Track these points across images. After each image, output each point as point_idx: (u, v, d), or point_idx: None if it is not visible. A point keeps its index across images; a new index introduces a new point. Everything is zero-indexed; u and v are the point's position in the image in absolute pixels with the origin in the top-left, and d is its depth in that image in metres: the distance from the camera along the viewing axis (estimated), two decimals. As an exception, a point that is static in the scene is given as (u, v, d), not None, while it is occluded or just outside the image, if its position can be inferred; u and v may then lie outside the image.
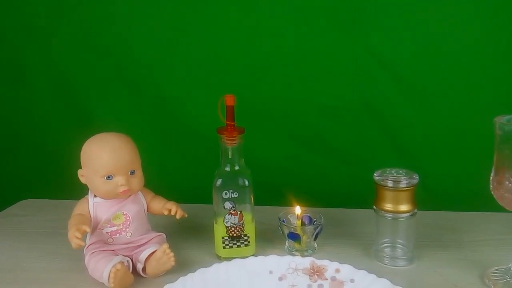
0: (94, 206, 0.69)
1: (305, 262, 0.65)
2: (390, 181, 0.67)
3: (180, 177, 1.01)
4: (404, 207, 0.67)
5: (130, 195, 0.70)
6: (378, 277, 0.61)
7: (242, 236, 0.72)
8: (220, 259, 0.73)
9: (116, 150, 0.67)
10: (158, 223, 0.77)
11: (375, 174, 0.69)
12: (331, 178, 1.00)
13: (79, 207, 0.69)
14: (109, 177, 0.67)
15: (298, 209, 0.75)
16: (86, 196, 0.70)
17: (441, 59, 0.92)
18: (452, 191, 0.96)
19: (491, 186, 0.61)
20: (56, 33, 1.00)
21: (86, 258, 0.68)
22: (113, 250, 0.69)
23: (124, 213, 0.70)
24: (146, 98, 1.02)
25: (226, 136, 0.70)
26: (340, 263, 0.64)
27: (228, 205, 0.71)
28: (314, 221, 0.74)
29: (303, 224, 0.74)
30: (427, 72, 0.93)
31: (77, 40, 1.00)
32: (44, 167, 1.07)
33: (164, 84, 1.01)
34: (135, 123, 1.00)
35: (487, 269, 0.67)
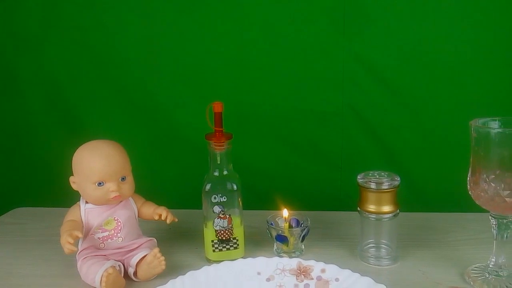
0: (86, 212, 0.69)
1: (292, 263, 0.66)
2: (372, 183, 0.67)
3: (170, 183, 1.02)
4: (386, 208, 0.68)
5: (121, 201, 0.71)
6: (362, 275, 0.62)
7: (231, 239, 0.73)
8: (210, 262, 0.73)
9: (107, 156, 0.68)
10: (148, 228, 0.77)
11: (358, 177, 0.70)
12: (319, 182, 1.00)
13: (71, 214, 0.69)
14: (100, 183, 0.68)
15: (285, 212, 0.76)
16: (78, 203, 0.70)
17: (426, 64, 0.94)
18: (439, 192, 0.98)
19: (468, 186, 0.62)
20: (47, 41, 1.01)
21: (79, 264, 0.68)
22: (104, 255, 0.69)
23: (115, 218, 0.70)
24: (136, 105, 1.02)
25: (214, 142, 0.71)
26: (326, 263, 0.65)
27: (217, 209, 0.72)
28: (301, 224, 0.76)
29: (290, 226, 0.75)
30: (412, 77, 0.95)
31: (68, 48, 1.01)
32: (36, 175, 1.07)
33: (154, 91, 1.01)
34: (125, 130, 1.01)
35: (467, 267, 0.68)
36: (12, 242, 0.82)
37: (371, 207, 0.68)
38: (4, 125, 1.07)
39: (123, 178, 0.69)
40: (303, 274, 0.64)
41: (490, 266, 0.66)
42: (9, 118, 1.06)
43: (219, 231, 0.72)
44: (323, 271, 0.64)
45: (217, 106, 0.70)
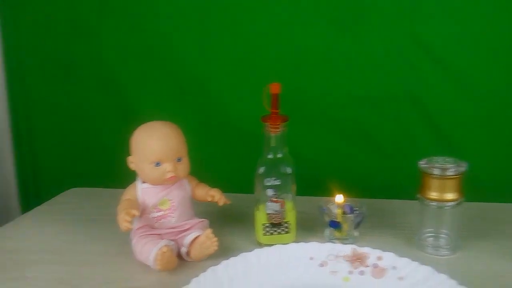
0: (142, 191, 0.69)
1: (347, 249, 0.62)
2: (436, 169, 0.63)
3: (221, 167, 1.02)
4: (450, 196, 0.63)
5: (176, 182, 0.71)
6: (421, 264, 0.58)
7: (283, 223, 0.71)
8: (260, 245, 0.71)
9: (164, 137, 0.67)
10: (200, 211, 0.77)
11: (421, 162, 0.65)
12: (373, 170, 0.95)
13: (128, 193, 0.69)
14: (157, 163, 0.67)
15: (339, 198, 0.73)
16: (134, 183, 0.70)
17: (488, 47, 0.87)
18: (497, 182, 0.91)
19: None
20: (103, 29, 1.01)
21: (133, 241, 0.68)
22: (158, 234, 0.69)
23: (170, 199, 0.70)
24: (188, 90, 1.01)
25: (270, 124, 0.68)
26: (383, 250, 0.62)
27: (270, 192, 0.69)
28: (355, 210, 0.73)
29: (344, 213, 0.73)
30: (472, 60, 0.88)
31: (123, 35, 1.00)
32: (89, 157, 1.08)
33: (206, 77, 0.99)
34: (177, 114, 0.98)
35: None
36: (68, 220, 0.83)
37: (433, 195, 0.64)
38: (61, 109, 1.08)
39: (179, 159, 0.69)
40: (358, 261, 0.61)
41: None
42: (66, 102, 1.07)
43: (271, 214, 0.70)
44: (379, 258, 0.61)
45: (274, 88, 0.67)
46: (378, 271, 0.60)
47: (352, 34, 0.92)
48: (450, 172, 0.63)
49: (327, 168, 0.97)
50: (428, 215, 0.67)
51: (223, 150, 1.03)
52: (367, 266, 0.61)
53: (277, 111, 0.69)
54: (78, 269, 0.67)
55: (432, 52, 0.90)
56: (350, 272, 0.61)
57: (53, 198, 0.94)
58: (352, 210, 0.72)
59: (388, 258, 0.60)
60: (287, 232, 0.71)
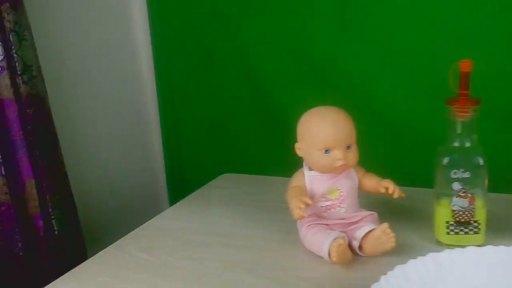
0: (310, 179, 0.62)
1: None
2: None
3: (378, 159, 0.91)
4: None
5: (345, 170, 0.64)
6: None
7: (472, 222, 0.59)
8: (441, 245, 0.60)
9: (335, 123, 0.60)
10: (361, 201, 0.68)
11: None
12: None
13: (296, 180, 0.63)
14: (326, 150, 0.60)
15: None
16: (301, 169, 0.64)
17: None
18: None
19: None
20: (244, 22, 0.98)
21: (302, 230, 0.62)
22: (327, 225, 0.62)
23: (339, 188, 0.62)
24: (328, 84, 0.93)
25: (457, 107, 0.57)
26: None
27: (457, 186, 0.57)
28: None
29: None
30: None
31: (264, 28, 0.96)
32: (231, 146, 1.07)
33: (347, 70, 0.91)
34: (315, 105, 0.94)
35: None
36: (225, 204, 0.80)
37: None
38: (206, 100, 1.08)
39: (348, 147, 0.61)
40: None
41: None
42: (208, 93, 1.06)
43: (457, 211, 0.58)
44: None
45: (465, 65, 0.56)
46: None
47: None
48: None
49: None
50: None
51: (373, 141, 0.92)
52: None
53: (466, 92, 0.57)
54: (247, 253, 0.63)
55: None
56: None
57: (209, 183, 0.93)
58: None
59: None
60: (475, 233, 0.58)
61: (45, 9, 0.89)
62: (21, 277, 0.77)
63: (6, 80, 0.74)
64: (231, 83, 1.04)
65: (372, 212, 0.63)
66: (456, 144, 0.58)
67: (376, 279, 0.47)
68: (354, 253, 0.59)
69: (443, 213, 0.59)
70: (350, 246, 0.59)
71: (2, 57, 0.73)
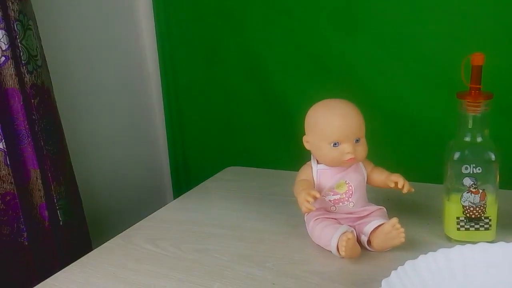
0: (318, 172, 0.61)
1: None
2: None
3: (382, 153, 0.91)
4: None
5: (353, 164, 0.63)
6: None
7: (483, 218, 0.58)
8: (450, 241, 0.59)
9: (344, 116, 0.58)
10: (369, 196, 0.67)
11: None
12: None
13: (303, 173, 0.62)
14: (335, 143, 0.59)
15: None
16: (308, 162, 0.63)
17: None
18: None
19: None
20: (248, 15, 0.97)
21: (310, 224, 0.61)
22: (335, 219, 0.61)
23: (347, 182, 0.61)
24: (335, 77, 0.91)
25: (469, 101, 0.56)
26: None
27: (468, 181, 0.56)
28: None
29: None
30: None
31: (268, 21, 0.95)
32: (235, 140, 1.06)
33: (353, 63, 0.89)
34: (321, 99, 0.92)
35: None
36: (230, 197, 0.79)
37: None
38: (211, 93, 1.06)
39: (357, 140, 0.60)
40: None
41: None
42: (213, 86, 1.05)
43: (467, 207, 0.57)
44: None
45: (477, 58, 0.54)
46: None
47: None
48: None
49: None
50: None
51: (381, 135, 0.91)
52: None
53: (479, 86, 0.56)
54: (254, 246, 0.62)
55: None
56: None
57: (214, 176, 0.92)
58: None
59: None
60: (486, 229, 0.57)
61: (50, -1, 0.88)
62: (26, 267, 0.77)
63: (11, 70, 0.73)
64: (236, 76, 1.03)
65: (381, 206, 0.63)
66: (467, 139, 0.56)
67: (386, 274, 0.47)
68: (362, 248, 0.58)
69: (453, 208, 0.58)
70: (358, 241, 0.58)
71: (6, 46, 0.72)
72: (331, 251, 0.57)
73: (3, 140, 0.72)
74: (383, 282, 0.45)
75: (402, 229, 0.56)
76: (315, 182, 0.62)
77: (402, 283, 0.46)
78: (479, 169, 0.55)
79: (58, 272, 0.59)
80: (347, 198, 0.61)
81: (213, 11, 1.01)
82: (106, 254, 0.63)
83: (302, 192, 0.57)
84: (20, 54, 0.74)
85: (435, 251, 0.50)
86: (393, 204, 0.68)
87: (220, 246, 0.63)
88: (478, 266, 0.50)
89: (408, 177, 0.61)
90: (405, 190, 0.60)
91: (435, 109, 0.83)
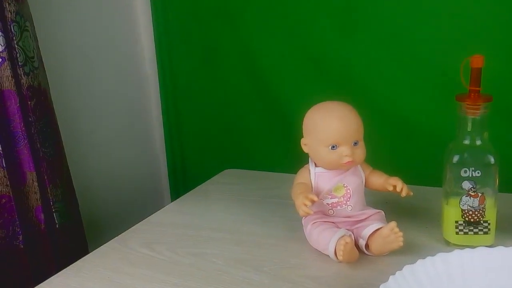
0: (316, 175, 0.61)
1: None
2: None
3: (382, 156, 0.90)
4: None
5: (351, 167, 0.62)
6: None
7: (482, 222, 0.57)
8: (449, 245, 0.59)
9: (342, 118, 0.58)
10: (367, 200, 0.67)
11: None
12: None
13: (301, 176, 0.61)
14: (333, 146, 0.59)
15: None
16: (306, 165, 0.62)
17: None
18: None
19: None
20: (246, 15, 0.96)
21: (308, 228, 0.60)
22: (333, 223, 0.61)
23: (345, 185, 0.61)
24: (331, 76, 0.91)
25: (469, 104, 0.55)
26: None
27: (467, 185, 0.56)
28: None
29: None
30: None
31: (267, 21, 0.95)
32: (233, 142, 1.05)
33: (350, 63, 0.89)
34: (318, 101, 0.92)
35: None
36: (227, 200, 0.79)
37: None
38: (209, 94, 1.06)
39: (355, 143, 0.59)
40: None
41: None
42: (211, 87, 1.04)
43: (466, 211, 0.57)
44: None
45: (477, 60, 0.54)
46: None
47: None
48: None
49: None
50: None
51: (380, 138, 0.91)
52: None
53: (478, 89, 0.55)
54: (253, 251, 0.62)
55: None
56: None
57: (211, 179, 0.91)
58: None
59: None
60: (485, 233, 0.57)
61: (47, 0, 0.88)
62: (22, 270, 0.76)
63: (7, 72, 0.72)
64: (234, 78, 1.02)
65: (379, 210, 0.62)
66: (466, 142, 0.56)
67: (384, 279, 0.46)
68: (360, 252, 0.57)
69: (452, 212, 0.57)
70: (356, 244, 0.58)
71: (3, 48, 0.71)
72: (328, 255, 0.56)
73: (-1, 142, 0.72)
74: (381, 287, 0.45)
75: (401, 233, 0.55)
76: (313, 185, 0.61)
77: (400, 288, 0.45)
78: (478, 173, 0.55)
79: (53, 276, 0.58)
80: (345, 202, 0.60)
81: (211, 11, 1.00)
82: (102, 258, 0.62)
83: (300, 196, 0.57)
84: (16, 55, 0.73)
85: (433, 255, 0.50)
86: (392, 207, 0.67)
87: (217, 250, 0.62)
88: (477, 270, 0.49)
89: (406, 180, 0.60)
90: (403, 194, 0.59)
91: (434, 111, 0.83)
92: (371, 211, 0.61)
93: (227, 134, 1.07)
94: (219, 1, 0.99)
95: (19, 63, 0.73)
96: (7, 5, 0.71)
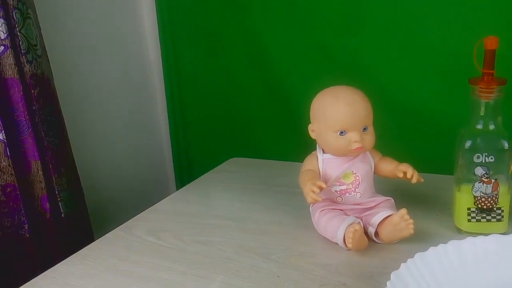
0: (324, 162, 0.59)
1: None
2: None
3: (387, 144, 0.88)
4: None
5: (360, 153, 0.60)
6: None
7: (495, 209, 0.56)
8: (461, 232, 0.57)
9: (351, 103, 0.56)
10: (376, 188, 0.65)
11: None
12: None
13: (309, 163, 0.60)
14: (342, 132, 0.57)
15: None
16: (314, 152, 0.60)
17: None
18: None
19: None
20: (250, 1, 0.94)
21: (316, 216, 0.59)
22: (342, 210, 0.60)
23: (354, 172, 0.59)
24: (338, 65, 0.89)
25: (481, 87, 0.53)
26: None
27: (479, 171, 0.54)
28: None
29: None
30: None
31: (272, 9, 0.92)
32: (238, 130, 1.04)
33: (357, 53, 0.86)
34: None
35: None
36: (233, 188, 0.78)
37: None
38: (213, 82, 1.04)
39: (365, 129, 0.57)
40: None
41: None
42: (215, 74, 1.02)
43: (479, 197, 0.55)
44: None
45: (490, 42, 0.52)
46: None
47: None
48: None
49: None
50: None
51: (389, 125, 0.89)
52: None
53: (492, 71, 0.53)
54: (260, 238, 0.60)
55: None
56: None
57: (216, 167, 0.90)
58: None
59: None
60: (498, 220, 0.55)
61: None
62: (28, 259, 0.75)
63: (10, 60, 0.71)
64: (239, 66, 1.00)
65: (389, 197, 0.60)
66: (479, 126, 0.54)
67: (395, 267, 0.45)
68: (369, 240, 0.56)
69: (464, 199, 0.56)
70: (365, 232, 0.56)
71: (5, 35, 0.70)
72: (337, 243, 0.55)
73: (3, 131, 0.70)
74: (393, 275, 0.43)
75: (411, 220, 0.54)
76: (321, 172, 0.60)
77: (412, 276, 0.43)
78: (491, 158, 0.53)
79: (58, 264, 0.57)
80: (353, 189, 0.59)
81: (215, 1, 0.98)
82: (107, 246, 0.61)
83: (308, 183, 0.55)
84: (19, 43, 0.72)
85: (445, 243, 0.48)
86: (401, 195, 0.65)
87: (224, 238, 0.61)
88: (490, 258, 0.47)
89: (417, 168, 0.59)
90: (414, 180, 0.57)
91: (445, 97, 0.80)
92: (380, 198, 0.60)
93: (232, 122, 1.06)
94: None
95: (22, 51, 0.72)
96: (9, -8, 0.69)
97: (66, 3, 0.90)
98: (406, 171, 0.58)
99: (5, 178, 0.72)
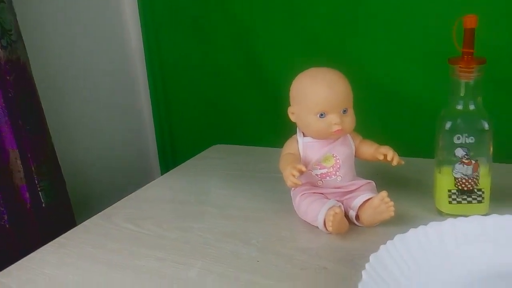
0: (304, 145, 0.58)
1: None
2: None
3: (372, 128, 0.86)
4: None
5: (341, 136, 0.59)
6: None
7: (475, 190, 0.54)
8: (442, 214, 0.56)
9: (330, 85, 0.54)
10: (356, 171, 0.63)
11: None
12: None
13: (289, 147, 0.58)
14: (321, 114, 0.55)
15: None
16: (294, 136, 0.59)
17: None
18: None
19: None
20: None
21: (296, 200, 0.57)
22: (322, 194, 0.58)
23: (334, 155, 0.57)
24: (325, 52, 0.86)
25: (461, 67, 0.51)
26: None
27: (460, 152, 0.53)
28: None
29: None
30: None
31: None
32: (222, 116, 1.02)
33: (345, 37, 0.84)
34: None
35: None
36: (216, 175, 0.76)
37: None
38: (199, 71, 1.01)
39: (344, 111, 0.56)
40: None
41: None
42: (199, 61, 1.00)
43: (459, 179, 0.54)
44: None
45: (470, 20, 0.50)
46: None
47: None
48: None
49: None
50: None
51: (369, 108, 0.87)
52: None
53: (471, 51, 0.51)
54: (242, 224, 0.59)
55: None
56: None
57: (199, 154, 0.88)
58: None
59: None
60: (479, 202, 0.54)
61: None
62: (9, 250, 0.73)
63: (-17, 45, 0.67)
64: (222, 53, 0.98)
65: (370, 180, 0.59)
66: (459, 107, 0.53)
67: (375, 250, 0.43)
68: (350, 223, 0.55)
69: (445, 181, 0.54)
70: (346, 216, 0.55)
71: (-22, 20, 0.66)
72: (318, 227, 0.54)
73: (-23, 119, 0.67)
74: (372, 257, 0.42)
75: (392, 203, 0.52)
76: (301, 156, 0.58)
77: (391, 257, 0.42)
78: (471, 139, 0.52)
79: (33, 253, 0.55)
80: (334, 172, 0.57)
81: None
82: (84, 234, 0.59)
83: (288, 166, 0.53)
84: (-8, 28, 0.68)
85: (425, 224, 0.47)
86: (383, 179, 0.64)
87: (205, 224, 0.59)
88: (470, 239, 0.46)
89: (398, 151, 0.57)
90: (394, 163, 0.56)
91: (426, 79, 0.79)
92: (361, 181, 0.58)
93: (217, 109, 1.03)
94: None
95: (-4, 37, 0.69)
96: (-21, -25, 0.66)
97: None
98: (387, 154, 0.56)
99: (-19, 168, 0.69)
